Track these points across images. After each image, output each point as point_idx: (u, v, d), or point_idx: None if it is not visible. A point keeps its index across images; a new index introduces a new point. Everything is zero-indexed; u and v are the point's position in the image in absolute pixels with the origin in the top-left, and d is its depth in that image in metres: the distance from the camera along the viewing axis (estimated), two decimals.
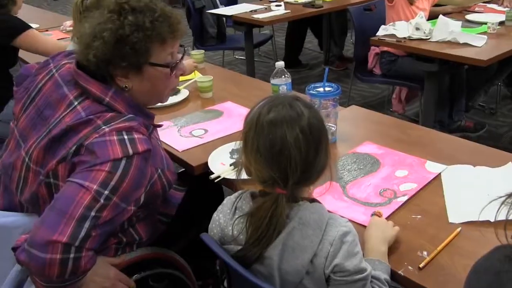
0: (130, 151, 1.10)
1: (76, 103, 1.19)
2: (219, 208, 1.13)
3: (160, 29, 1.19)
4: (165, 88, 1.29)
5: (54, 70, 1.28)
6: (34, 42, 2.51)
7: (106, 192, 1.06)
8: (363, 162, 1.52)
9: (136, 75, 1.21)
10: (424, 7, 3.15)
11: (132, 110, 1.21)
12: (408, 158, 1.52)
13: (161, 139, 1.72)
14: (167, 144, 1.70)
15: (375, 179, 1.43)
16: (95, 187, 1.05)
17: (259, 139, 0.97)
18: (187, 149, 1.67)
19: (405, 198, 1.32)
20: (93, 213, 1.04)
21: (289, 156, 0.95)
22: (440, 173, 1.42)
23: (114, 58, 1.17)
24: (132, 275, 1.29)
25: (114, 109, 1.19)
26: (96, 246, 1.07)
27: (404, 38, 2.82)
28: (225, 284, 1.22)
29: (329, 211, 1.07)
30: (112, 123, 1.14)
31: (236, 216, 1.05)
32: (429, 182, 1.39)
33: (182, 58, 1.29)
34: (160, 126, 1.37)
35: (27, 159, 1.22)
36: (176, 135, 1.77)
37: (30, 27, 2.53)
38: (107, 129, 1.12)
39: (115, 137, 1.11)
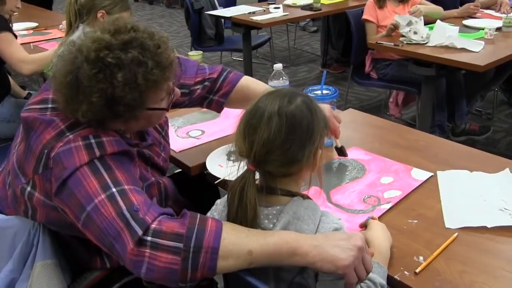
0: (97, 153, 1.03)
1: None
2: (213, 208, 1.15)
3: (154, 78, 1.06)
4: (159, 120, 1.23)
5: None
6: (4, 46, 2.40)
7: (113, 189, 1.00)
8: (349, 168, 1.51)
9: (131, 120, 1.12)
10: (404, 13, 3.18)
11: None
12: (395, 165, 1.51)
13: None
14: None
15: (359, 186, 1.41)
16: (101, 194, 0.99)
17: (246, 113, 1.02)
18: (184, 150, 1.66)
19: (388, 206, 1.30)
20: (124, 207, 0.97)
21: (260, 132, 0.97)
22: (426, 180, 1.40)
23: (107, 118, 1.06)
24: (126, 275, 1.28)
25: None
26: (160, 210, 1.00)
27: (402, 42, 2.83)
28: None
29: None
30: (77, 129, 1.06)
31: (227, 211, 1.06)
32: (413, 190, 1.37)
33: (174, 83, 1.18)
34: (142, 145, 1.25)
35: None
36: (173, 135, 1.76)
37: (8, 30, 2.43)
38: (71, 136, 1.04)
39: (80, 143, 1.04)
